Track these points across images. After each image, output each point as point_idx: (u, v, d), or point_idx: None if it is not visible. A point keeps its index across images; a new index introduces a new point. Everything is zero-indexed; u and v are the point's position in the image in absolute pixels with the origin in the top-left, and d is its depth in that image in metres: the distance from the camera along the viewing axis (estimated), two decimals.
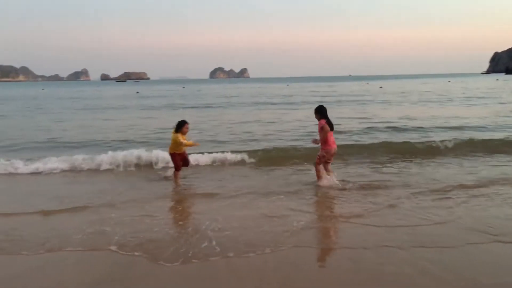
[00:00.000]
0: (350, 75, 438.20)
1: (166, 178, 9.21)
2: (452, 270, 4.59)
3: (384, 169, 9.76)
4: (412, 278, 4.40)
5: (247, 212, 6.78)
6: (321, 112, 8.36)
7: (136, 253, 5.12)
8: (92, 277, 4.54)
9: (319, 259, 5.14)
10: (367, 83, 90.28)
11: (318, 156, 8.36)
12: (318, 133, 8.48)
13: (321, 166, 8.40)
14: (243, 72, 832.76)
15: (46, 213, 6.80)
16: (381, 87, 63.88)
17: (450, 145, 12.16)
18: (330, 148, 8.31)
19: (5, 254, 5.25)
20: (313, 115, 8.41)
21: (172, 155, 9.01)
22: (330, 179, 8.33)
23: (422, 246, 5.25)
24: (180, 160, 9.08)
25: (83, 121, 22.13)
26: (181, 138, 8.78)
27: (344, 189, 7.98)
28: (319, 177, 8.36)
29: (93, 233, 5.80)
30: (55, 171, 10.03)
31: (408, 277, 4.43)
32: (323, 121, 8.25)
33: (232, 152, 11.31)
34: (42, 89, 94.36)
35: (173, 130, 8.94)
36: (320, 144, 8.43)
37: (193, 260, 4.90)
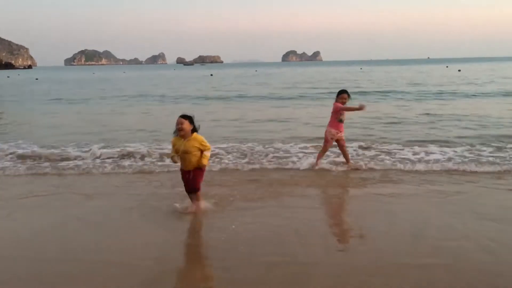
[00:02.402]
0: (428, 58, 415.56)
1: None
2: None
3: None
4: None
5: None
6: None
7: None
8: None
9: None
10: (447, 66, 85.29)
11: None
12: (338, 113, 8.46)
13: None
14: (315, 55, 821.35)
15: None
16: (459, 70, 60.48)
17: None
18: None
19: None
20: None
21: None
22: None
23: None
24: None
25: None
26: None
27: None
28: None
29: None
30: None
31: None
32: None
33: None
34: (124, 72, 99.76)
35: None
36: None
37: None
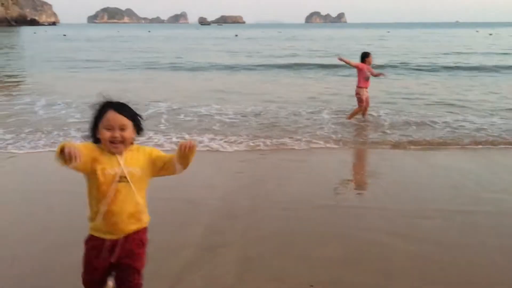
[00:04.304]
0: (457, 21, 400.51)
1: None
2: None
3: None
4: None
5: None
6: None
7: None
8: None
9: None
10: (477, 31, 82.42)
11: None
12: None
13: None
14: (340, 16, 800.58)
15: None
16: (490, 34, 58.65)
17: None
18: None
19: None
20: None
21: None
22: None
23: None
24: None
25: None
26: None
27: None
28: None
29: None
30: None
31: None
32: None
33: None
34: (149, 31, 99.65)
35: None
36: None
37: None
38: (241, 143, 7.52)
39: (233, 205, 4.97)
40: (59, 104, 11.03)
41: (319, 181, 5.84)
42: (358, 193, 5.49)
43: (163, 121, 9.20)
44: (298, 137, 7.87)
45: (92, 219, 2.53)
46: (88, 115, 2.60)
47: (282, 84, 16.06)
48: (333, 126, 8.78)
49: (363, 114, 9.40)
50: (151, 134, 7.83)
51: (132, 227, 2.54)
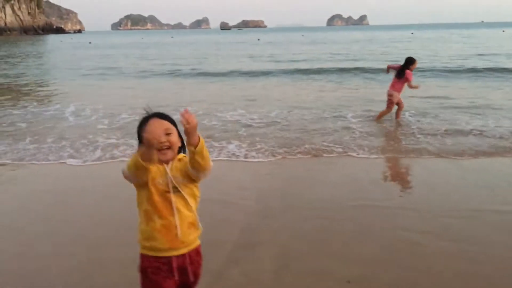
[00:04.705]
0: (482, 21, 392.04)
1: None
2: None
3: None
4: None
5: None
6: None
7: None
8: None
9: None
10: (503, 31, 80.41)
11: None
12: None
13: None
14: (362, 19, 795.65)
15: None
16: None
17: None
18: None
19: None
20: None
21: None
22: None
23: None
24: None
25: None
26: None
27: None
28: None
29: None
30: None
31: None
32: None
33: None
34: (172, 37, 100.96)
35: None
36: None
37: None
38: (266, 150, 7.45)
39: (267, 206, 5.10)
40: (95, 113, 11.01)
41: (350, 184, 5.91)
42: (390, 195, 5.52)
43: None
44: (328, 142, 7.84)
45: (148, 237, 2.35)
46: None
47: (313, 88, 15.84)
48: (361, 130, 8.73)
49: (397, 116, 9.31)
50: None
51: (192, 236, 2.43)
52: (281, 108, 11.21)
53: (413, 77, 9.14)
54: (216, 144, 7.83)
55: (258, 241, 4.20)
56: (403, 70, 9.03)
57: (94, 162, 7.04)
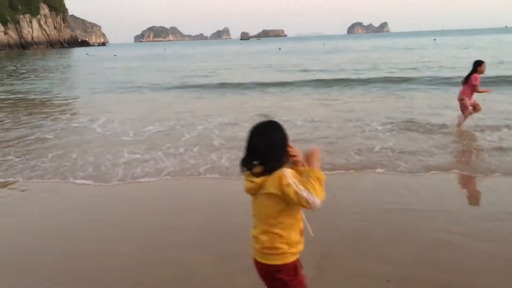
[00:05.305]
0: (506, 26, 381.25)
1: None
2: None
3: None
4: None
5: None
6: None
7: None
8: None
9: None
10: None
11: None
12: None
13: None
14: (383, 26, 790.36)
15: None
16: None
17: None
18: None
19: None
20: None
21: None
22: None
23: None
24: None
25: None
26: None
27: None
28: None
29: None
30: None
31: None
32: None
33: None
34: (193, 48, 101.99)
35: None
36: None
37: None
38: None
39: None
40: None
41: (385, 189, 6.02)
42: (426, 198, 5.60)
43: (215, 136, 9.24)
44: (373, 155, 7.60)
45: (297, 241, 2.55)
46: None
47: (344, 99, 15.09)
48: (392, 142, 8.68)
49: (464, 117, 8.87)
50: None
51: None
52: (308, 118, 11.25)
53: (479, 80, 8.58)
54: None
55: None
56: (470, 75, 8.71)
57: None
